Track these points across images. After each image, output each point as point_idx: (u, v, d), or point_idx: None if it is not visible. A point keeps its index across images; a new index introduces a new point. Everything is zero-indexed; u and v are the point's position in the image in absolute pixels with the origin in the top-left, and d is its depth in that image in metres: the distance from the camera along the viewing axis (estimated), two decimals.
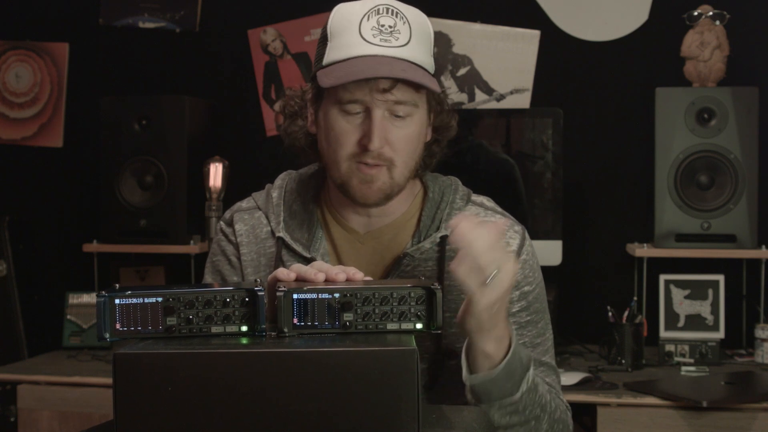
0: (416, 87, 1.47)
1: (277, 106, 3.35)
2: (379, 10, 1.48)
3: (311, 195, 1.63)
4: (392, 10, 1.48)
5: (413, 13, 1.51)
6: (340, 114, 1.49)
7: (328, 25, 1.51)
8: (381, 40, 1.46)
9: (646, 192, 3.16)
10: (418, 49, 1.49)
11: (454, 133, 1.63)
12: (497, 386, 1.40)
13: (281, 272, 1.30)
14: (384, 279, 1.56)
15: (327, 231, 1.61)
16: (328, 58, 1.50)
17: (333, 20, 1.51)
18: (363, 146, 1.48)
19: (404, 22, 1.48)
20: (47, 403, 2.94)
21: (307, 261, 1.55)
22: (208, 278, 1.68)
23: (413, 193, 1.62)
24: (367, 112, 1.48)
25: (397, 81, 1.45)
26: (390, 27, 1.47)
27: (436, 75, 1.56)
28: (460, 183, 1.65)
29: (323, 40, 1.52)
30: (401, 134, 1.49)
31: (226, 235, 1.66)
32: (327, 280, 1.25)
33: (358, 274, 1.28)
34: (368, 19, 1.47)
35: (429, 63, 1.52)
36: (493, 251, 1.33)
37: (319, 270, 1.28)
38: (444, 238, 1.55)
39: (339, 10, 1.51)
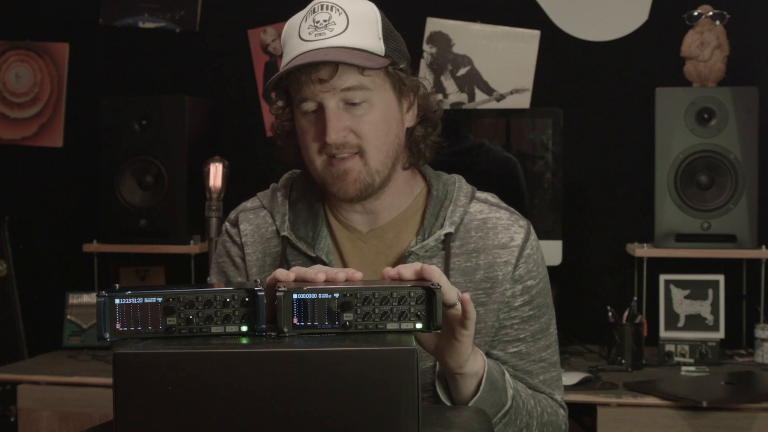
0: (360, 69, 1.48)
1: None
2: (314, 9, 1.51)
3: (316, 193, 1.64)
4: (327, 6, 1.50)
5: (351, 3, 1.52)
6: (302, 117, 1.53)
7: (281, 40, 1.56)
8: (316, 35, 1.49)
9: (646, 192, 3.16)
10: (356, 34, 1.49)
11: (440, 112, 1.63)
12: (489, 401, 1.40)
13: (280, 273, 1.30)
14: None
15: (330, 230, 1.61)
16: (281, 68, 1.53)
17: (283, 34, 1.55)
18: (324, 141, 1.50)
19: (340, 13, 1.50)
20: (47, 403, 2.94)
21: (312, 260, 1.55)
22: (213, 279, 1.69)
23: (415, 191, 1.62)
24: (321, 107, 1.49)
25: (335, 67, 1.46)
26: (324, 21, 1.49)
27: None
28: (464, 180, 1.65)
29: (281, 56, 1.56)
30: (363, 120, 1.50)
31: (230, 236, 1.66)
32: (327, 281, 1.25)
33: (357, 275, 1.28)
34: (306, 20, 1.51)
35: (374, 45, 1.51)
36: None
37: (318, 270, 1.28)
38: (448, 236, 1.55)
39: (287, 22, 1.55)
